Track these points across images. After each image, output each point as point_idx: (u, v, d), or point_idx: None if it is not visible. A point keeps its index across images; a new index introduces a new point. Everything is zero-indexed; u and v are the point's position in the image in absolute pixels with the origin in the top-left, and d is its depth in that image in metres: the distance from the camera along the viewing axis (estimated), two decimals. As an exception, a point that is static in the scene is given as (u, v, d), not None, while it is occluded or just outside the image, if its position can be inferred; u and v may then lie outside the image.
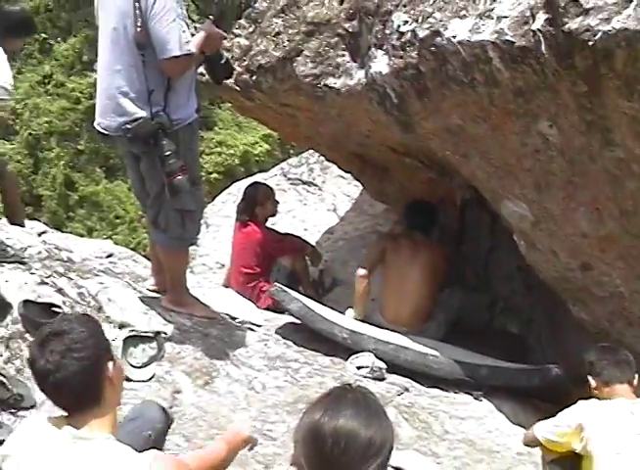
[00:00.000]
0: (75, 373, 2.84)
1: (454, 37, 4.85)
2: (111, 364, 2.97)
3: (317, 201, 9.31)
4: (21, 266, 5.53)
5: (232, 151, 22.39)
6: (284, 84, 6.38)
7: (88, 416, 2.91)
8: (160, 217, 5.40)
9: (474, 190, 6.07)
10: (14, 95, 6.38)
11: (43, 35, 20.59)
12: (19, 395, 4.57)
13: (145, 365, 5.10)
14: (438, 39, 4.94)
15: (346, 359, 5.82)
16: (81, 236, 10.59)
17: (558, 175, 4.97)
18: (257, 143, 23.60)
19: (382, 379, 5.68)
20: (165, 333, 5.41)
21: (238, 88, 6.64)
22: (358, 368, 5.70)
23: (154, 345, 5.22)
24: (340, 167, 8.58)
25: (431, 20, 5.03)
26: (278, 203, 8.24)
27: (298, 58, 6.18)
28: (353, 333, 6.00)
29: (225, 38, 5.91)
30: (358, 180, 8.53)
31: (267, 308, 6.96)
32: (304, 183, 9.83)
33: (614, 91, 4.38)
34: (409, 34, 5.23)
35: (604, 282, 5.22)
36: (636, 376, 4.58)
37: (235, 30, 6.46)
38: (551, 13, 4.39)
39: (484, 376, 5.92)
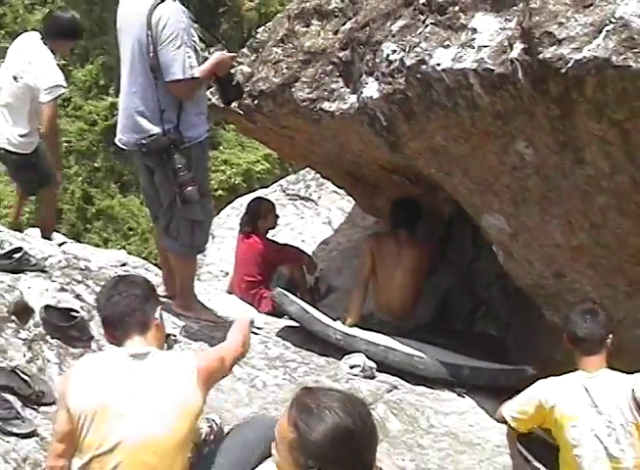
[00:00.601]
0: (133, 303, 3.58)
1: (438, 65, 4.87)
2: (159, 311, 3.66)
3: (313, 214, 9.31)
4: (42, 274, 5.51)
5: (235, 169, 22.38)
6: (283, 108, 6.39)
7: (137, 342, 3.55)
8: (171, 226, 5.41)
9: (457, 204, 6.07)
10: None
11: (63, 62, 20.57)
12: (40, 391, 4.56)
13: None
14: (424, 67, 4.96)
15: (340, 359, 5.81)
16: (97, 246, 10.58)
17: (533, 191, 4.98)
18: (259, 161, 23.53)
19: (372, 377, 5.67)
20: (174, 335, 5.41)
21: (241, 112, 6.64)
22: (351, 367, 5.70)
23: (164, 346, 5.23)
24: (334, 184, 8.57)
25: (417, 49, 5.04)
26: (278, 216, 8.24)
27: (296, 84, 6.18)
28: (346, 335, 5.99)
29: (236, 58, 5.93)
30: (351, 195, 8.51)
31: (267, 313, 6.96)
32: (302, 198, 9.82)
33: (584, 115, 4.38)
34: (397, 63, 5.24)
35: (575, 289, 5.22)
36: (610, 335, 4.60)
37: (238, 58, 6.46)
38: (527, 43, 4.40)
39: (466, 376, 5.92)
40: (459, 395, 5.83)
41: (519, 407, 4.71)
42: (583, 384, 4.45)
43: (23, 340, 4.84)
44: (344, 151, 6.55)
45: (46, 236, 6.73)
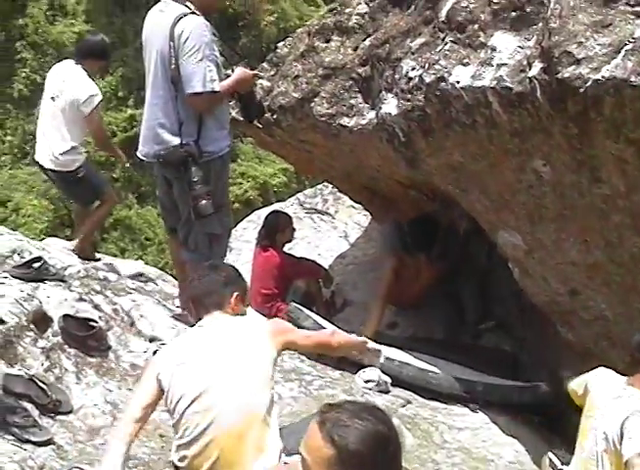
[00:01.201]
0: (212, 286, 4.05)
1: (458, 83, 4.89)
2: (235, 296, 4.04)
3: (330, 228, 9.31)
4: (61, 284, 5.55)
5: (252, 183, 22.43)
6: (302, 123, 6.40)
7: (216, 316, 4.02)
8: (190, 239, 5.43)
9: (473, 220, 6.07)
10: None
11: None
12: (57, 400, 4.58)
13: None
14: (443, 84, 4.97)
15: (355, 373, 5.82)
16: (114, 256, 10.62)
17: (550, 209, 4.99)
18: (276, 174, 23.58)
19: (387, 392, 5.68)
20: None
21: (260, 125, 6.65)
22: (366, 382, 5.70)
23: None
24: (351, 198, 8.57)
25: (436, 66, 5.06)
26: (295, 230, 8.24)
27: (316, 99, 6.20)
28: None
29: (258, 78, 5.96)
30: (368, 210, 8.52)
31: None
32: (319, 212, 9.82)
33: (602, 134, 4.40)
34: (416, 79, 5.26)
35: (590, 306, 5.22)
36: None
37: (258, 73, 6.48)
38: (546, 62, 4.42)
39: (480, 392, 5.92)
40: (472, 410, 5.84)
41: (574, 383, 4.72)
42: (623, 386, 4.44)
43: (42, 348, 4.87)
44: (362, 166, 6.56)
45: (83, 254, 6.74)
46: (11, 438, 4.16)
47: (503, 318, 6.82)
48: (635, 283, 4.93)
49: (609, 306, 5.16)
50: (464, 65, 4.90)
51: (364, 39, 6.02)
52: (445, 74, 4.96)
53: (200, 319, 4.09)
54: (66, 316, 5.09)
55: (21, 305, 5.04)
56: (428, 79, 5.09)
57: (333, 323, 6.51)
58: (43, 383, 4.59)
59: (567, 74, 4.31)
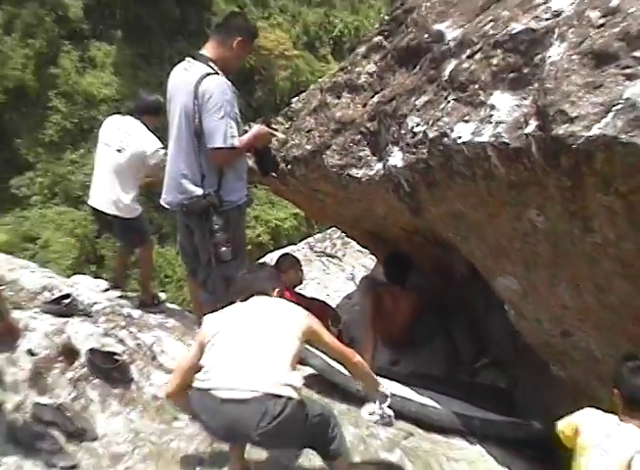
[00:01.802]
0: (256, 281, 4.54)
1: (459, 138, 4.90)
2: (276, 290, 4.58)
3: (338, 270, 9.34)
4: (88, 319, 5.57)
5: (264, 227, 22.46)
6: (314, 173, 6.43)
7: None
8: (208, 282, 5.45)
9: (470, 265, 6.08)
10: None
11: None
12: (83, 429, 4.59)
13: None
14: (445, 140, 4.99)
15: (360, 407, 5.81)
16: (136, 291, 10.62)
17: (543, 256, 4.97)
18: (287, 218, 23.59)
19: (390, 425, 5.66)
20: None
21: (275, 175, 6.67)
22: (370, 414, 5.69)
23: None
24: (358, 243, 8.60)
25: (439, 123, 5.08)
26: (302, 272, 8.24)
27: (327, 151, 6.23)
28: None
29: (274, 136, 5.99)
30: (373, 254, 8.53)
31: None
32: (328, 255, 9.86)
33: (593, 187, 4.39)
34: (421, 135, 5.28)
35: (581, 347, 5.20)
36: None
37: (273, 126, 6.52)
38: (541, 120, 4.44)
39: (476, 426, 5.89)
40: (470, 443, 5.80)
41: (562, 425, 4.61)
42: (616, 422, 4.40)
43: (69, 379, 4.90)
44: (369, 213, 6.57)
45: (146, 300, 6.80)
46: (39, 463, 4.18)
47: (499, 357, 6.79)
48: (624, 326, 4.91)
49: (598, 347, 5.13)
50: (465, 121, 4.92)
51: (372, 96, 6.05)
52: (448, 130, 4.99)
53: None
54: (92, 350, 5.13)
55: (50, 338, 5.08)
56: (431, 135, 5.12)
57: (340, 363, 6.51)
58: (70, 412, 4.62)
59: (560, 132, 4.33)
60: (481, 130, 4.80)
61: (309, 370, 6.40)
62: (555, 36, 4.60)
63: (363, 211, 6.57)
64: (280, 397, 3.97)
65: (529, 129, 4.53)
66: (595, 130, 4.21)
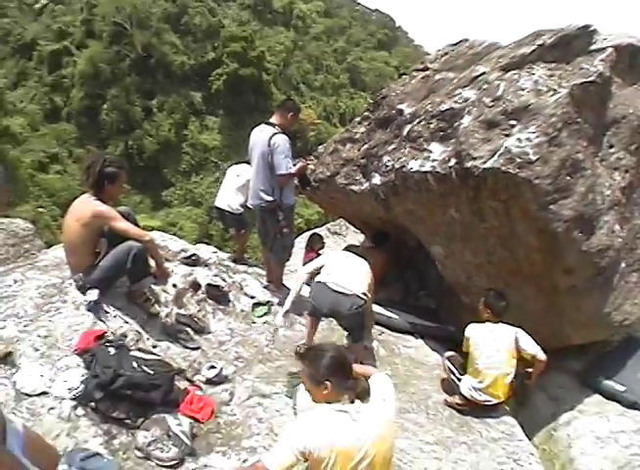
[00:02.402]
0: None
1: (411, 169, 4.91)
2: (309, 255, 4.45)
3: (342, 243, 9.27)
4: (205, 268, 5.50)
5: (301, 220, 22.42)
6: (330, 188, 6.40)
7: None
8: (274, 248, 5.39)
9: (417, 239, 6.03)
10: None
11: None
12: (203, 327, 4.55)
13: (261, 316, 5.13)
14: (404, 169, 4.99)
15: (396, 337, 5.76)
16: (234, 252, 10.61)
17: (458, 234, 4.95)
18: (314, 214, 23.41)
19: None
20: (272, 301, 5.35)
21: (308, 189, 6.63)
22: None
23: (266, 307, 5.26)
24: (355, 227, 8.54)
25: (401, 160, 5.08)
26: (324, 243, 8.10)
27: (337, 176, 6.21)
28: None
29: (309, 167, 5.92)
30: (364, 233, 8.47)
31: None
32: (337, 234, 9.83)
33: (486, 196, 4.39)
34: (390, 166, 5.29)
35: (476, 285, 5.13)
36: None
37: (308, 162, 6.45)
38: (458, 158, 4.45)
39: (419, 329, 5.88)
40: (415, 338, 5.79)
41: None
42: (490, 328, 4.38)
43: (195, 300, 4.91)
44: (361, 210, 6.54)
45: (238, 258, 6.31)
46: (179, 345, 4.23)
47: (432, 290, 6.76)
48: (501, 274, 4.91)
49: (485, 286, 5.08)
50: (415, 159, 4.92)
51: (363, 145, 6.01)
52: (405, 164, 4.99)
53: None
54: (208, 284, 5.14)
55: (185, 278, 5.10)
56: (397, 166, 5.12)
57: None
58: (196, 318, 4.65)
59: (468, 165, 4.35)
60: (424, 164, 4.81)
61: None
62: (465, 112, 4.60)
63: (358, 209, 6.54)
64: (361, 298, 4.30)
65: (451, 163, 4.54)
66: (488, 164, 4.24)
